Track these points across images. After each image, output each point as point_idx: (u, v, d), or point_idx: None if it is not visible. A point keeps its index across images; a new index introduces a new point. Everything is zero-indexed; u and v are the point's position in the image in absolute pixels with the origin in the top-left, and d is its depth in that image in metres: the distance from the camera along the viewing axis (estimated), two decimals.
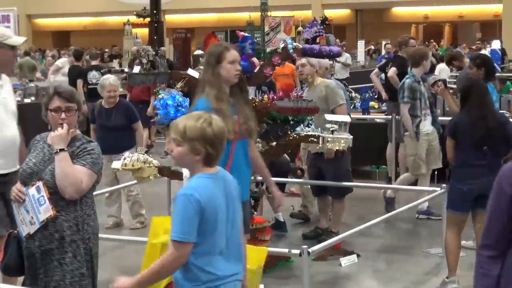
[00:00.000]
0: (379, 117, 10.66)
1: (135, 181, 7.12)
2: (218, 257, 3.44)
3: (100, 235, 4.34)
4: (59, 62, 16.19)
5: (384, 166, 10.44)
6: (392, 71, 10.00)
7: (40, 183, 4.07)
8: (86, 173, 4.08)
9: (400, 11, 36.73)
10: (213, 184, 3.44)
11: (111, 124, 7.97)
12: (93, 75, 13.66)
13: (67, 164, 4.02)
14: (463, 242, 6.99)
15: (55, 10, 36.05)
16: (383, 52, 20.63)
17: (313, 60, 7.21)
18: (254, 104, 6.40)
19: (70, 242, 4.09)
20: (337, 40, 17.45)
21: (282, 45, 6.45)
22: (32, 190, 4.08)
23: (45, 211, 4.04)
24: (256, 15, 6.98)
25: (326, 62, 7.68)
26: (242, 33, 6.48)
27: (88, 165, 4.10)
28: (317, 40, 6.56)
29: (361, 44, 24.41)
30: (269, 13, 6.84)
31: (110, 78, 8.16)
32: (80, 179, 4.04)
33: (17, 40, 5.31)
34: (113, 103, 7.97)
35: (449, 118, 9.08)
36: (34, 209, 4.08)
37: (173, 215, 3.38)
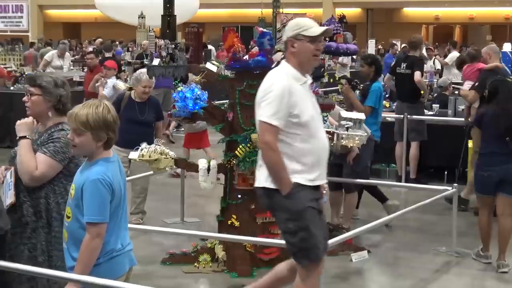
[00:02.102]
0: (390, 116, 10.71)
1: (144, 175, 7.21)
2: (121, 230, 3.78)
3: None
4: (47, 57, 15.69)
5: (394, 165, 10.52)
6: (418, 76, 10.03)
7: (12, 169, 4.18)
8: (44, 162, 4.04)
9: (411, 11, 36.68)
10: (114, 166, 3.74)
11: (142, 118, 7.78)
12: None
13: (24, 152, 4.07)
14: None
15: (67, 1, 36.10)
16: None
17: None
18: None
19: (33, 229, 4.12)
20: (356, 39, 18.09)
21: None
22: (8, 174, 4.21)
23: (10, 197, 4.16)
24: (267, 11, 6.98)
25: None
26: (260, 28, 6.55)
27: (49, 153, 4.05)
28: (335, 38, 6.62)
29: (371, 43, 24.38)
30: (281, 10, 6.84)
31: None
32: (34, 167, 4.03)
33: (318, 30, 4.57)
34: (144, 99, 7.86)
35: (459, 119, 9.22)
36: (6, 192, 4.20)
37: (87, 199, 3.63)
